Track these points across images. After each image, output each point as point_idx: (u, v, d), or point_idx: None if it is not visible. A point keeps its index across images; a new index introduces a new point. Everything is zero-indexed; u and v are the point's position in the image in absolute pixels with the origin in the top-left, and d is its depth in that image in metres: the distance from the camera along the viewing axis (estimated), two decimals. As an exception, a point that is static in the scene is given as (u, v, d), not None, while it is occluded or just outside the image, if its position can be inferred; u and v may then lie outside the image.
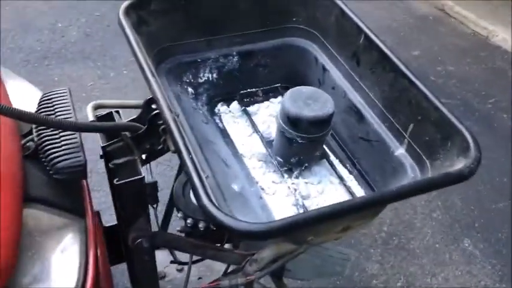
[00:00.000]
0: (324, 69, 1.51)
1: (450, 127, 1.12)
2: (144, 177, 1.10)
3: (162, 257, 1.67)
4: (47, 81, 3.17)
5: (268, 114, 1.56)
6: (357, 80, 1.40)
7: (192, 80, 1.51)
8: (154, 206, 1.48)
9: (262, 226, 0.83)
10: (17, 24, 3.58)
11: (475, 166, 1.01)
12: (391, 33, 4.04)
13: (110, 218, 2.37)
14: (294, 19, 1.56)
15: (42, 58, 3.35)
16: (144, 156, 1.30)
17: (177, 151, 0.95)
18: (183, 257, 1.64)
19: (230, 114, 1.55)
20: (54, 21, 3.66)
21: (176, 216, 1.38)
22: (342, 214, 0.89)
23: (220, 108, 1.56)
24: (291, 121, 1.26)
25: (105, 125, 1.02)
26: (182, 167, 0.93)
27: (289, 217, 0.86)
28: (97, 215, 1.57)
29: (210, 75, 1.53)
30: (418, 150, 1.22)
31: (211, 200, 0.86)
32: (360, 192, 1.36)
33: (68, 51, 3.43)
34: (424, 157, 1.20)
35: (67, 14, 3.75)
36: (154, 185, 1.42)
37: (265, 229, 0.83)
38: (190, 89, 1.50)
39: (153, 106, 1.14)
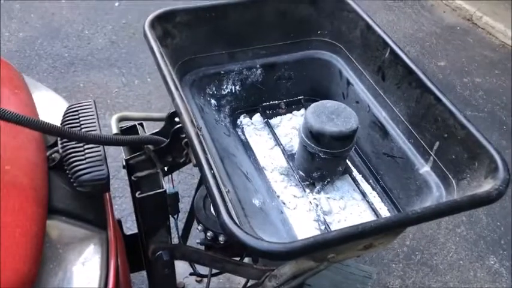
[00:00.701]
0: (349, 83, 1.50)
1: (477, 146, 1.09)
2: (165, 190, 1.10)
3: (181, 268, 1.67)
4: (72, 87, 3.23)
5: (290, 126, 1.55)
6: (382, 94, 1.38)
7: (216, 92, 1.51)
8: (175, 216, 1.49)
9: (283, 246, 0.82)
10: (44, 31, 3.66)
11: (503, 188, 0.98)
12: (416, 43, 3.99)
13: (131, 225, 2.40)
14: (319, 32, 1.55)
15: (69, 64, 3.42)
16: (165, 168, 1.31)
17: (199, 166, 0.95)
18: (203, 268, 1.64)
19: (252, 127, 1.55)
20: (81, 28, 3.73)
21: (196, 228, 1.37)
22: (363, 235, 0.87)
23: (243, 120, 1.55)
24: (314, 136, 1.25)
25: (128, 138, 1.03)
26: (203, 182, 0.93)
27: (311, 237, 0.85)
28: (118, 223, 1.59)
29: (233, 87, 1.54)
30: (443, 168, 1.19)
31: (232, 218, 0.86)
32: (382, 209, 1.33)
33: (94, 58, 3.48)
34: (450, 176, 1.17)
35: (94, 21, 3.82)
36: (175, 196, 1.43)
37: (286, 249, 0.82)
38: (213, 101, 1.50)
39: (176, 119, 1.14)
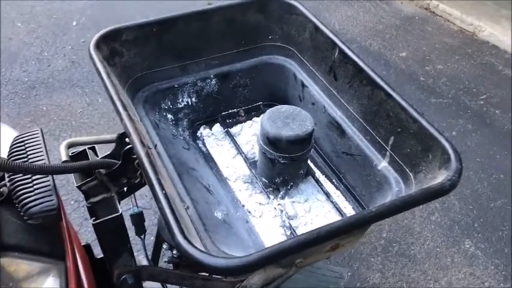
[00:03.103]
0: (303, 85, 1.50)
1: (430, 139, 1.10)
2: (121, 214, 1.07)
3: (156, 286, 1.64)
4: (35, 111, 3.17)
5: (251, 133, 1.55)
6: (336, 94, 1.38)
7: (171, 106, 1.49)
8: (142, 236, 1.47)
9: (238, 261, 0.81)
10: (2, 57, 3.58)
11: (456, 178, 0.99)
12: (377, 36, 4.03)
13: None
14: (270, 37, 1.55)
15: (30, 89, 3.35)
16: (125, 189, 1.28)
17: (150, 187, 0.93)
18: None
19: (213, 137, 1.53)
20: (40, 51, 3.66)
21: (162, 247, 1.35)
22: (320, 241, 0.87)
23: (203, 131, 1.54)
24: (271, 142, 1.25)
25: (76, 165, 1.00)
26: (156, 203, 0.91)
27: (266, 249, 0.84)
28: (87, 248, 1.55)
29: (189, 100, 1.52)
30: (400, 163, 1.20)
31: (186, 238, 0.84)
32: (347, 207, 1.34)
33: (56, 80, 3.42)
34: (407, 170, 1.18)
35: (52, 43, 3.75)
36: (139, 216, 1.41)
37: (242, 264, 0.81)
38: (169, 116, 1.48)
39: (127, 140, 1.12)
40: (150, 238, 2.28)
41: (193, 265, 0.90)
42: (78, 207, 2.58)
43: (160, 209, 0.89)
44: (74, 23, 3.96)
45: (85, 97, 3.29)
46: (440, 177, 1.02)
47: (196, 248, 0.83)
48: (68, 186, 2.61)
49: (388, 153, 1.23)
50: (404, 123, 1.17)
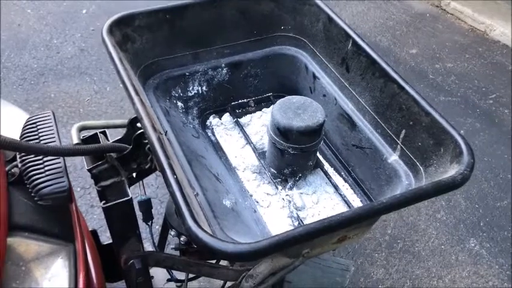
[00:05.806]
0: (315, 76, 1.49)
1: (442, 132, 1.09)
2: (131, 198, 1.08)
3: (161, 273, 1.65)
4: (44, 98, 3.18)
5: (261, 124, 1.54)
6: (347, 86, 1.37)
7: (182, 94, 1.49)
8: (149, 223, 1.47)
9: (249, 247, 0.81)
10: (12, 43, 3.59)
11: (468, 172, 0.98)
12: (387, 32, 4.01)
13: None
14: (282, 27, 1.54)
15: (38, 75, 3.36)
16: (134, 175, 1.29)
17: (161, 171, 0.93)
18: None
19: (222, 127, 1.53)
20: (49, 38, 3.67)
21: (169, 233, 1.36)
22: (330, 230, 0.87)
23: (212, 120, 1.54)
24: (282, 132, 1.25)
25: (88, 148, 1.00)
26: (167, 187, 0.91)
27: (276, 236, 0.84)
28: (94, 233, 1.56)
29: (199, 88, 1.52)
30: (411, 156, 1.19)
31: (197, 222, 0.84)
32: (355, 200, 1.34)
33: (64, 67, 3.43)
34: (418, 164, 1.17)
35: (62, 30, 3.76)
36: (147, 203, 1.41)
37: (252, 249, 0.81)
38: (180, 104, 1.48)
39: (138, 125, 1.12)
40: (156, 227, 2.29)
41: (202, 251, 0.90)
42: (84, 194, 2.59)
43: (171, 193, 0.89)
44: (84, 11, 3.96)
45: (93, 85, 3.29)
46: (452, 171, 1.02)
47: (206, 232, 0.83)
48: (75, 173, 2.62)
49: (399, 146, 1.22)
50: (416, 117, 1.16)
